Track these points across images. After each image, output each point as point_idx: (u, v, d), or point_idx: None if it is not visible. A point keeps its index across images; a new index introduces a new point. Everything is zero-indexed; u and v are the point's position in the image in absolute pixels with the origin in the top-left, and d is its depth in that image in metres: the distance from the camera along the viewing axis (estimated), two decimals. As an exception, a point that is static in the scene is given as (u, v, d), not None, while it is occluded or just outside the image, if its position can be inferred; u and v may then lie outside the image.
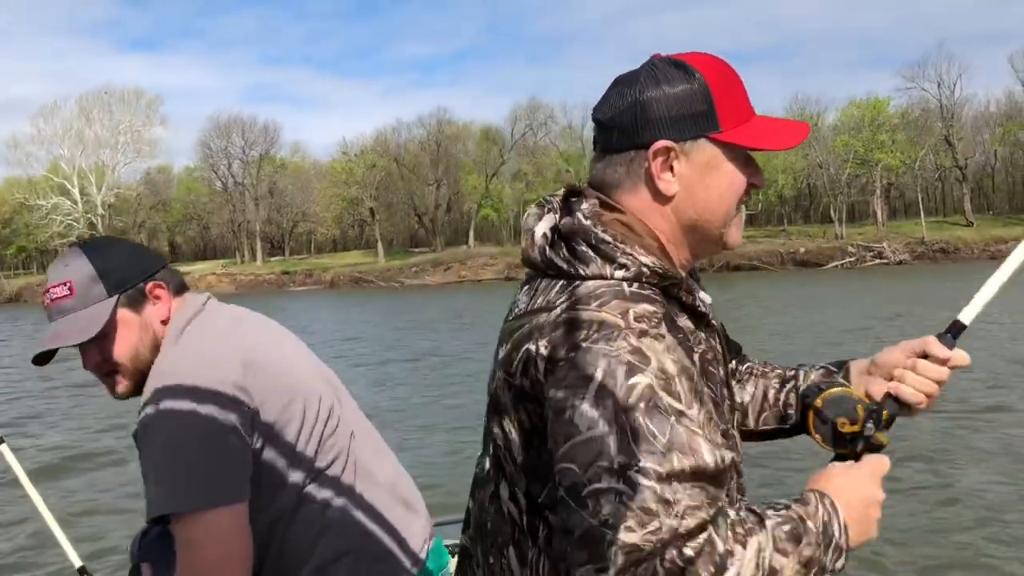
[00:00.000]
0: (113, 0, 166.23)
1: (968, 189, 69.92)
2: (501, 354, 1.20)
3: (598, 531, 1.01)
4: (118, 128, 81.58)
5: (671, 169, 1.20)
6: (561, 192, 1.29)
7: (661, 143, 1.18)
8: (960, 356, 1.33)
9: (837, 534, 1.13)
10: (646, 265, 1.16)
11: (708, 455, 1.03)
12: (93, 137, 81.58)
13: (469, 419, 11.74)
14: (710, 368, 1.22)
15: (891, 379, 1.35)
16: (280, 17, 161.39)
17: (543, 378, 1.10)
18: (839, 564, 1.13)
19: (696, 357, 1.16)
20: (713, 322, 1.28)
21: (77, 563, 2.63)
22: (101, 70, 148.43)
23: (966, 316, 1.33)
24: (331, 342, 24.18)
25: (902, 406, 1.32)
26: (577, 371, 1.06)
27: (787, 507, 1.12)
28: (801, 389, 1.45)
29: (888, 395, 1.33)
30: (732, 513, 1.06)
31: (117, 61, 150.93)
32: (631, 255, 1.16)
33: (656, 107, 1.18)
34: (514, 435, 1.18)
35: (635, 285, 1.14)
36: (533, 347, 1.12)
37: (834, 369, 1.47)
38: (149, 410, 1.53)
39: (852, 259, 59.21)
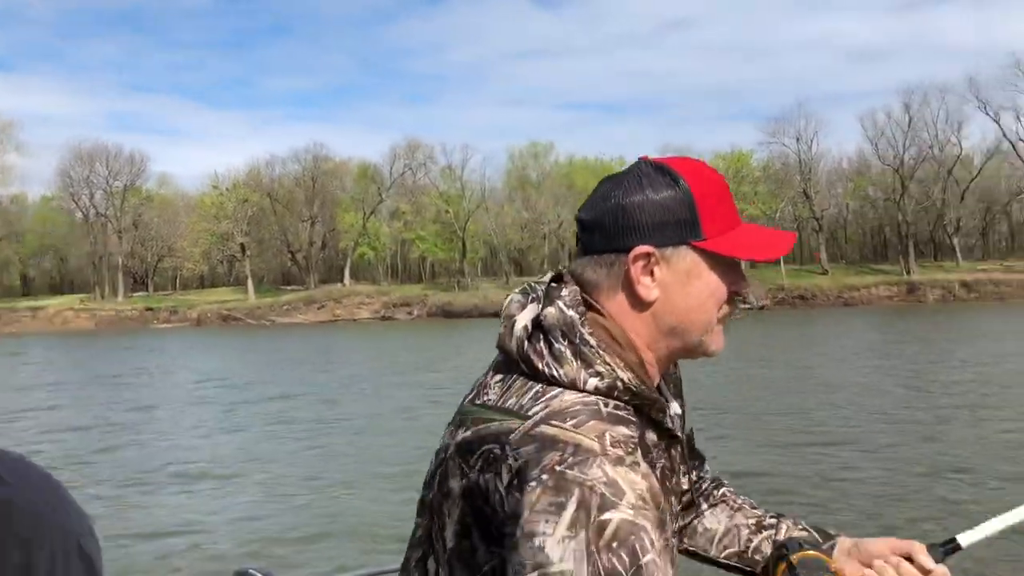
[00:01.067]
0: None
1: (823, 239, 74.28)
2: (459, 436, 1.18)
3: None
4: (-33, 153, 76.76)
5: (651, 274, 1.19)
6: (547, 279, 1.27)
7: (641, 248, 1.18)
8: (942, 573, 1.31)
9: None
10: (621, 380, 1.14)
11: None
12: (-62, 161, 76.44)
13: (349, 466, 11.41)
14: (667, 483, 1.21)
15: (870, 567, 1.35)
16: (144, 44, 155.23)
17: (505, 490, 1.08)
18: None
19: (657, 471, 1.15)
20: (678, 434, 1.26)
21: None
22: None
23: (965, 539, 1.33)
24: (190, 384, 23.19)
25: None
26: (549, 497, 1.03)
27: None
28: (779, 541, 1.44)
29: None
30: None
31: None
32: (609, 365, 1.14)
33: (639, 213, 1.18)
34: (452, 520, 1.16)
35: (611, 404, 1.13)
36: (499, 451, 1.10)
37: (819, 539, 1.44)
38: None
39: (718, 304, 61.54)
